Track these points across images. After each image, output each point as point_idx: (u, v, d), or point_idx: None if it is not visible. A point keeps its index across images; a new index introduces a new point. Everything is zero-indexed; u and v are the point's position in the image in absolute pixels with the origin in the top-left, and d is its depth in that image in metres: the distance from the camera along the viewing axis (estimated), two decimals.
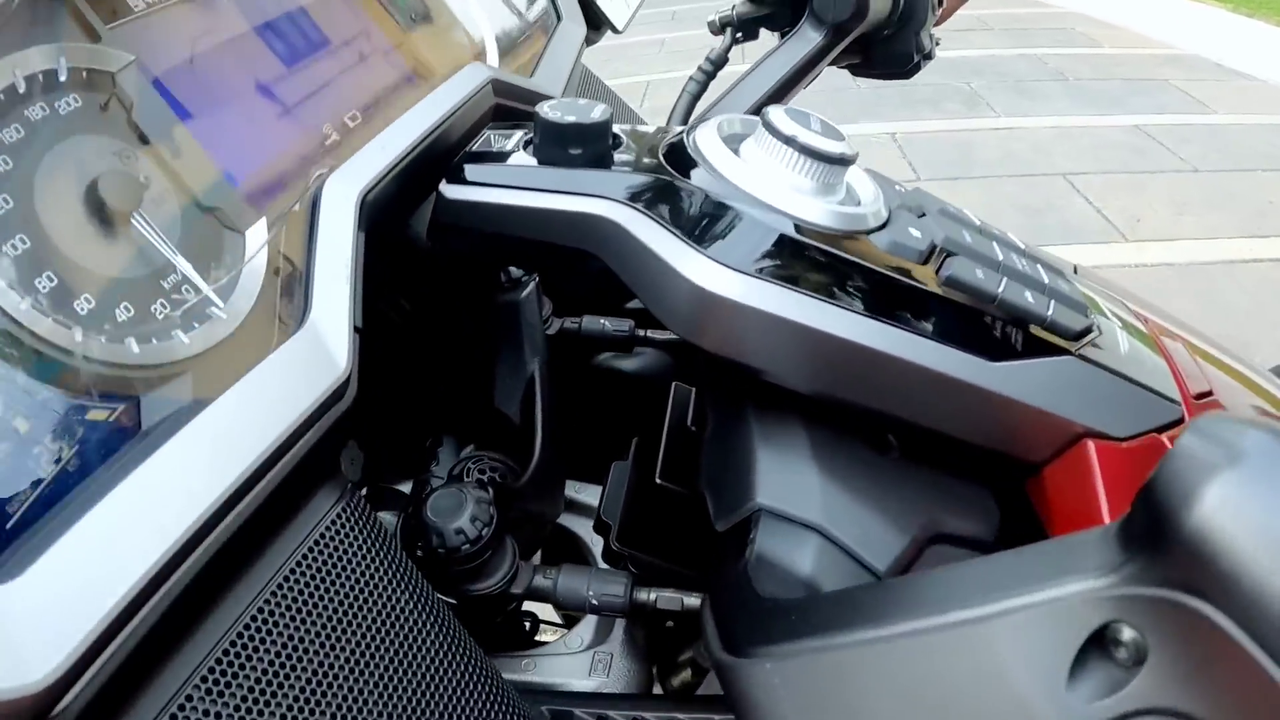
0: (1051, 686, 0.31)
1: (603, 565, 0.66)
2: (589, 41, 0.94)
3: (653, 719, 0.54)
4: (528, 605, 0.76)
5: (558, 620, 0.91)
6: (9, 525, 0.30)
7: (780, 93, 0.86)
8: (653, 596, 0.56)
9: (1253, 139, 5.10)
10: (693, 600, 0.55)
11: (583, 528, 0.81)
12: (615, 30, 1.02)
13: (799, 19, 0.87)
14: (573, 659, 0.69)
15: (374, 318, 0.45)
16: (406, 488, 0.66)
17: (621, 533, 0.58)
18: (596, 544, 0.78)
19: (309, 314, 0.41)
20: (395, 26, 0.61)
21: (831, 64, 0.93)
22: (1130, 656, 0.30)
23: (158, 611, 0.32)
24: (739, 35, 0.94)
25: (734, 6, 0.94)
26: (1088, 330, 0.50)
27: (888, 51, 0.94)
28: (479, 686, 0.44)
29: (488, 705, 0.44)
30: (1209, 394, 0.59)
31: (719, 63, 0.92)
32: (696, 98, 0.91)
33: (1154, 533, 0.28)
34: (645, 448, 0.61)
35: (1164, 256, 3.77)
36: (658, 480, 0.58)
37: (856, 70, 1.01)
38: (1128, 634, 0.30)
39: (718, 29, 0.94)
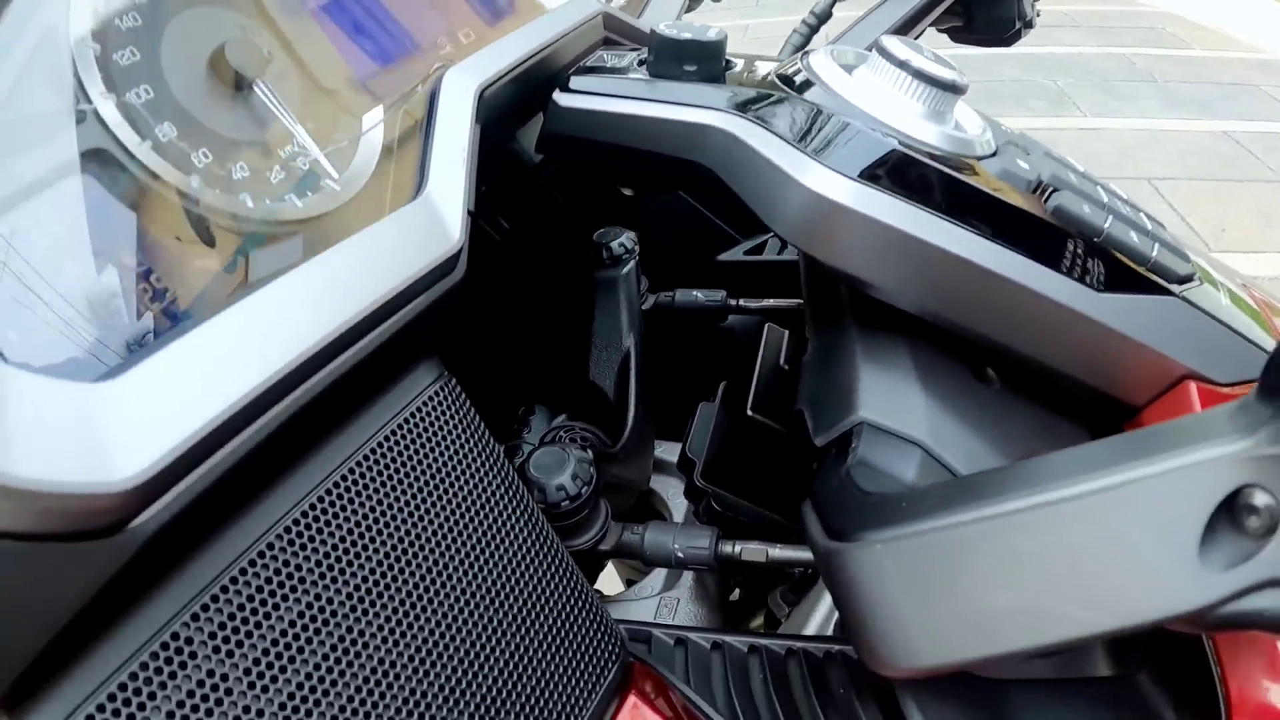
0: (1182, 553, 0.30)
1: (680, 520, 0.65)
2: (690, 7, 0.94)
3: (734, 641, 0.52)
4: None
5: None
6: (111, 341, 0.29)
7: (910, 27, 0.84)
8: (738, 549, 0.55)
9: None
10: (778, 552, 0.54)
11: (663, 485, 0.80)
12: None
13: None
14: (640, 604, 0.68)
15: (477, 232, 0.44)
16: None
17: (706, 469, 0.58)
18: (676, 504, 0.77)
19: (425, 188, 0.41)
20: None
21: (934, 25, 0.91)
22: (1263, 524, 0.29)
23: (250, 444, 0.31)
24: None
25: None
26: (1190, 277, 0.50)
27: (990, 15, 0.93)
28: (561, 580, 0.44)
29: (568, 598, 0.44)
30: None
31: (823, 16, 0.91)
32: (800, 48, 0.89)
33: None
34: (733, 390, 0.61)
35: (1249, 268, 3.66)
36: (749, 412, 0.57)
37: (956, 35, 0.99)
38: (1261, 499, 0.29)
39: None
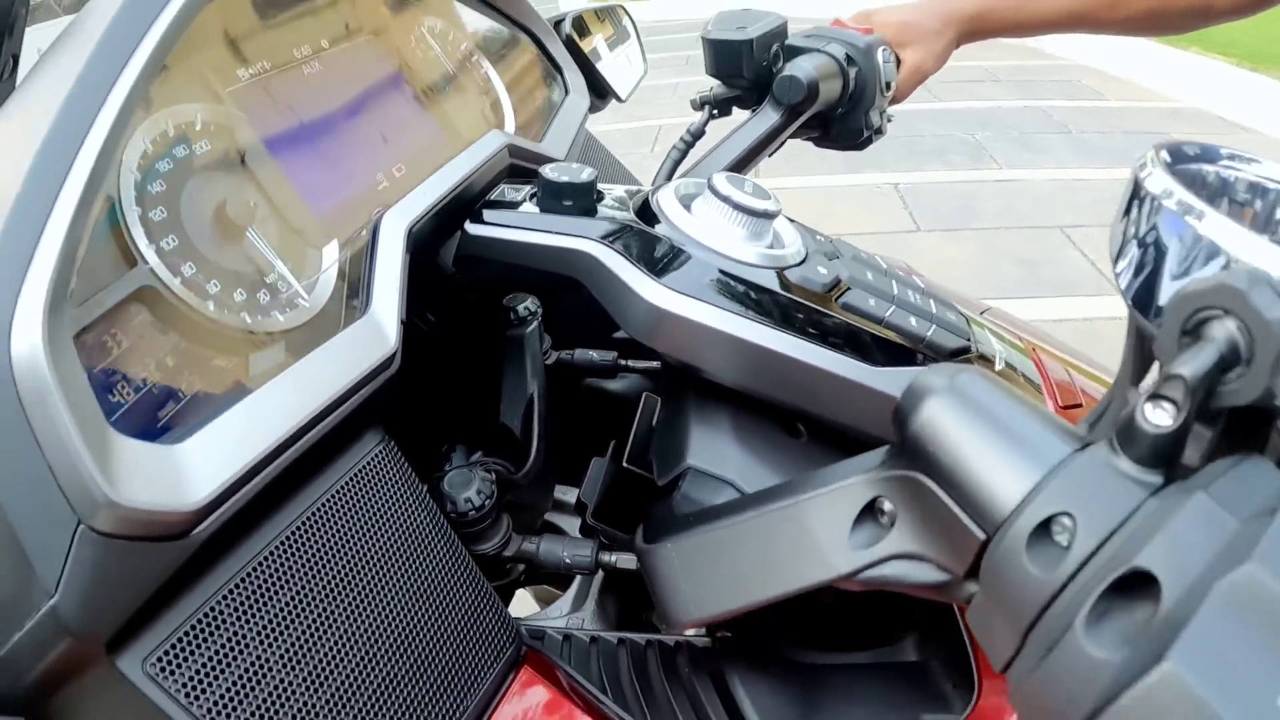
0: (839, 539, 0.47)
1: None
2: (594, 109, 1.08)
3: (607, 636, 0.67)
4: None
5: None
6: (169, 416, 0.44)
7: (744, 161, 0.99)
8: (614, 558, 0.69)
9: None
10: None
11: (566, 522, 0.96)
12: (619, 100, 1.16)
13: (762, 100, 1.00)
14: (548, 623, 0.82)
15: (408, 327, 0.59)
16: None
17: (596, 510, 0.72)
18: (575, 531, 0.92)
19: (369, 307, 0.56)
20: (439, 100, 0.75)
21: (793, 137, 1.06)
22: (888, 520, 0.45)
23: (258, 488, 0.45)
24: (715, 112, 1.07)
25: (711, 89, 1.07)
26: (964, 350, 0.65)
27: (841, 128, 1.08)
28: (466, 581, 0.58)
29: (472, 594, 0.58)
30: (1078, 405, 0.73)
31: (697, 134, 1.05)
32: (678, 163, 1.03)
33: (899, 434, 0.44)
34: (619, 446, 0.75)
35: None
36: (624, 464, 0.71)
37: (816, 142, 1.14)
38: (887, 505, 0.45)
39: (698, 106, 1.07)
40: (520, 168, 0.76)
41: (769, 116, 1.00)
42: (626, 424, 0.75)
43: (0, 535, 0.38)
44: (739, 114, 1.07)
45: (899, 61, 1.12)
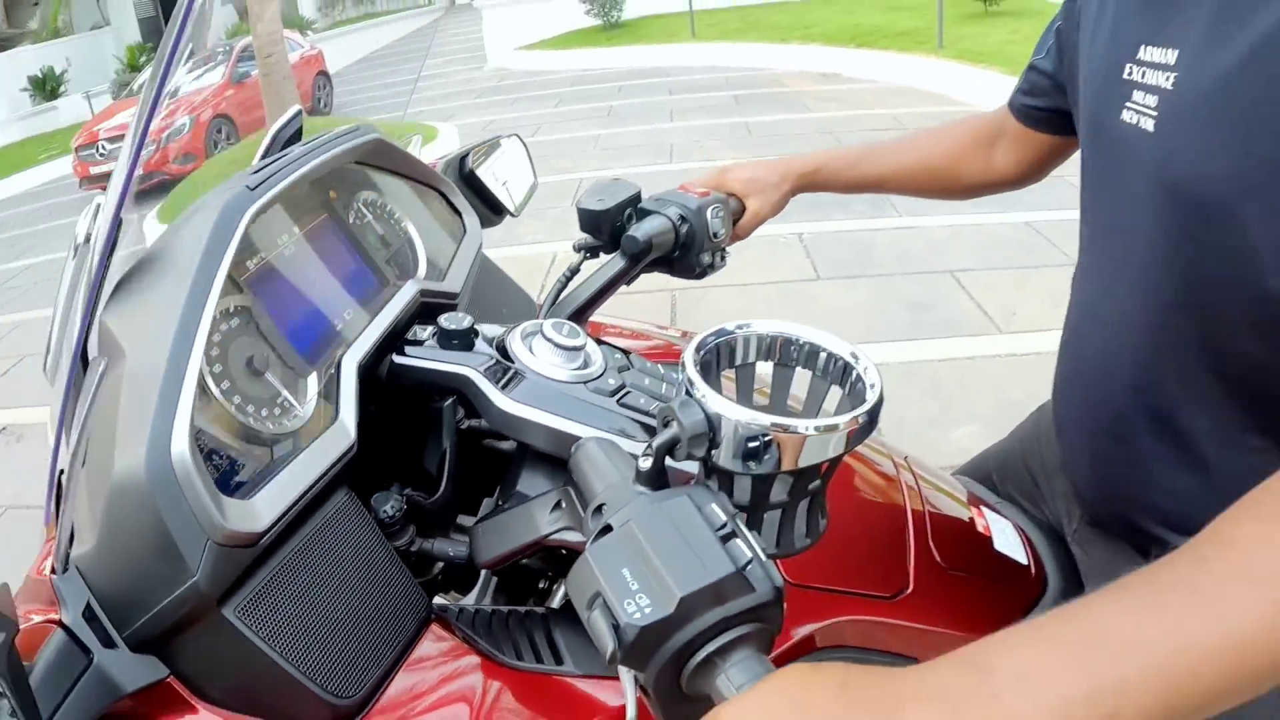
0: (544, 518, 0.84)
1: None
2: (491, 223, 1.40)
3: (489, 608, 0.98)
4: None
5: None
6: (239, 482, 0.77)
7: (603, 293, 1.30)
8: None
9: None
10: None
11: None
12: (513, 215, 1.47)
13: (615, 249, 1.32)
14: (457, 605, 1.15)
15: (361, 415, 0.90)
16: None
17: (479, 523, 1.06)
18: None
19: (338, 416, 0.88)
20: (374, 255, 1.10)
21: (644, 271, 1.36)
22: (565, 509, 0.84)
23: (284, 523, 0.77)
24: (587, 254, 1.36)
25: (583, 239, 1.36)
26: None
27: (679, 266, 1.39)
28: (389, 564, 0.89)
29: (393, 574, 0.89)
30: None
31: (574, 271, 1.33)
32: (559, 292, 1.31)
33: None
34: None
35: (1036, 346, 4.17)
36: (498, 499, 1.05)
37: (666, 273, 1.43)
38: (564, 503, 0.85)
39: (577, 249, 1.36)
40: (430, 305, 1.08)
41: (619, 263, 1.31)
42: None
43: (168, 548, 0.71)
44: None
45: (744, 207, 1.43)
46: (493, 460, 1.12)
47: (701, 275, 1.38)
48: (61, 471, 0.86)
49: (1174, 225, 0.92)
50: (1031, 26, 12.26)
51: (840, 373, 0.81)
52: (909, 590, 1.10)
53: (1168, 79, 0.93)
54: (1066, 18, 1.20)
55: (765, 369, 0.85)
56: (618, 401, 0.94)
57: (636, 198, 1.33)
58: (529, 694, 0.89)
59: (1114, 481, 1.13)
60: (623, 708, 0.69)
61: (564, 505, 0.82)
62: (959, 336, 4.37)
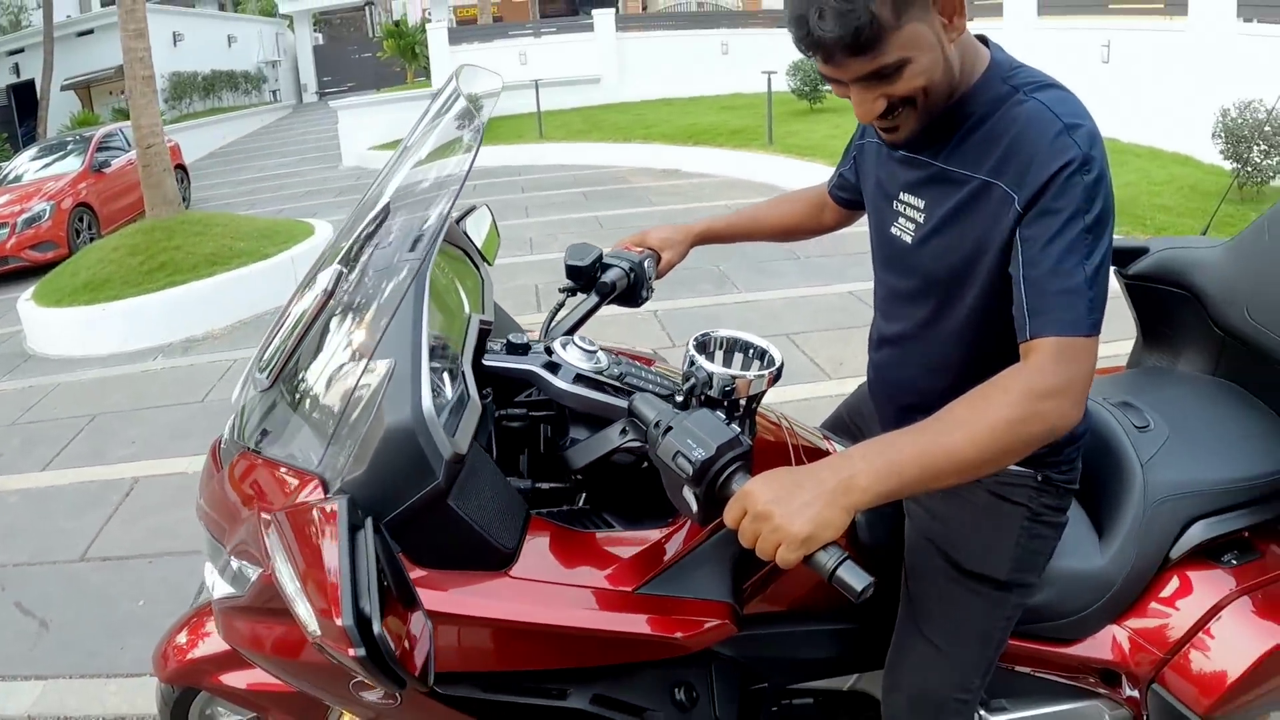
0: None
1: None
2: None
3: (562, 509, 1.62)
4: None
5: None
6: (446, 426, 1.34)
7: (583, 320, 1.89)
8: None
9: None
10: None
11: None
12: (489, 264, 2.14)
13: (590, 290, 1.91)
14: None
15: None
16: None
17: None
18: None
19: (471, 395, 1.51)
20: (452, 296, 1.76)
21: (607, 305, 1.95)
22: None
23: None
24: (570, 294, 1.95)
25: (567, 284, 1.93)
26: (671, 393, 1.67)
27: (628, 300, 1.98)
28: (509, 488, 1.49)
29: (511, 491, 1.48)
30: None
31: (559, 305, 1.94)
32: (552, 317, 1.92)
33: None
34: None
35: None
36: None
37: (619, 305, 2.00)
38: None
39: (562, 290, 1.95)
40: (483, 329, 1.68)
41: (594, 299, 1.93)
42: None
43: (423, 464, 1.24)
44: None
45: (659, 259, 2.03)
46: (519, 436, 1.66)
47: (640, 305, 2.04)
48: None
49: (928, 292, 1.57)
50: (852, 122, 13.48)
51: (761, 352, 1.53)
52: None
53: (919, 215, 1.55)
54: (859, 148, 1.84)
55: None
56: (622, 381, 1.58)
57: (600, 255, 1.94)
58: (590, 542, 1.51)
59: None
60: (649, 542, 1.46)
61: (626, 431, 1.46)
62: (798, 384, 5.18)
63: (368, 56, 32.39)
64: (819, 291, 6.87)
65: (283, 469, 1.48)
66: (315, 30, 35.13)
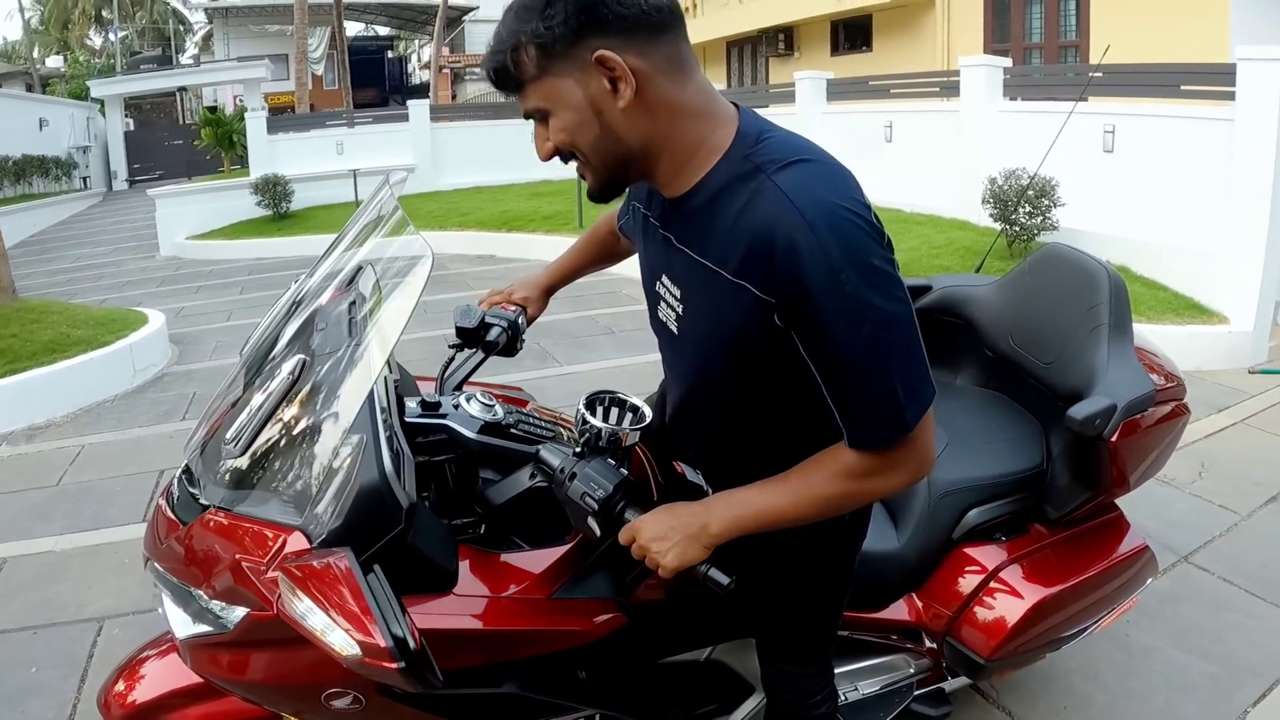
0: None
1: None
2: None
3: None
4: None
5: None
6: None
7: (472, 373, 2.02)
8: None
9: None
10: None
11: None
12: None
13: (475, 346, 2.07)
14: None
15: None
16: None
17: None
18: None
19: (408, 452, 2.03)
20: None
21: (493, 357, 2.21)
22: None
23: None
24: (458, 350, 2.16)
25: (457, 341, 2.16)
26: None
27: (506, 352, 2.19)
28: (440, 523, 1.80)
29: (443, 530, 1.76)
30: None
31: (451, 359, 2.18)
32: (445, 369, 2.16)
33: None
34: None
35: None
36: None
37: (499, 356, 2.24)
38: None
39: (451, 346, 2.15)
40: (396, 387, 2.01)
41: (479, 354, 2.17)
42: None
43: (389, 513, 1.54)
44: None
45: (525, 311, 2.26)
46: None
47: (515, 355, 2.31)
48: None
49: (692, 366, 1.65)
50: None
51: (634, 408, 1.75)
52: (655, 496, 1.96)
53: (678, 306, 1.55)
54: (631, 207, 1.89)
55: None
56: (513, 429, 1.87)
57: (484, 315, 2.20)
58: (509, 561, 1.80)
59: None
60: (554, 557, 1.79)
61: (534, 474, 1.73)
62: None
63: (179, 143, 31.64)
64: (634, 361, 7.39)
65: (262, 525, 1.71)
66: (126, 115, 34.06)
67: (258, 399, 1.84)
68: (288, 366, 1.85)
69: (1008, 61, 11.20)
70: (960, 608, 2.42)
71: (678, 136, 1.40)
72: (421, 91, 35.84)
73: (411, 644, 1.43)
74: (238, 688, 1.82)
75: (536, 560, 1.85)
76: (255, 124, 18.63)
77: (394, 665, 1.42)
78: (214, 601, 1.73)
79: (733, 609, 1.98)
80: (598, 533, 1.65)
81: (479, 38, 40.60)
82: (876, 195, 9.07)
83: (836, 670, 2.29)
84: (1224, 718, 3.05)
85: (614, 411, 1.79)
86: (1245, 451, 5.41)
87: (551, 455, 1.72)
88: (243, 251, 15.81)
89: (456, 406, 1.95)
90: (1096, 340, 2.47)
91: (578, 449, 1.71)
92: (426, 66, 41.72)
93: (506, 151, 19.14)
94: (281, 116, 20.44)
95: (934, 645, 2.48)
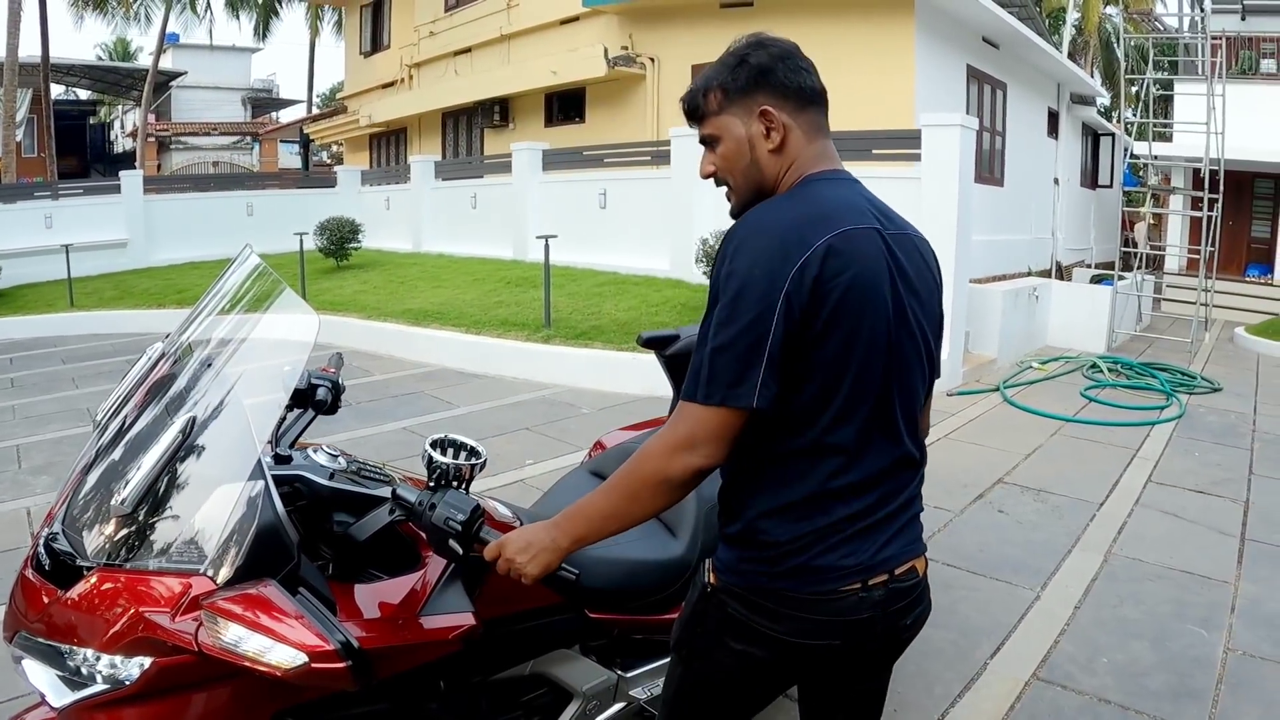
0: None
1: None
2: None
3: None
4: None
5: None
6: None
7: (303, 431, 2.38)
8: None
9: (485, 418, 7.79)
10: None
11: None
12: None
13: (305, 408, 2.42)
14: None
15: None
16: None
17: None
18: None
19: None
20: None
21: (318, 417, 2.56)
22: None
23: None
24: (290, 409, 2.32)
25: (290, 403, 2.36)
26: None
27: (329, 411, 2.54)
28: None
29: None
30: None
31: (283, 419, 2.37)
32: (279, 427, 2.34)
33: None
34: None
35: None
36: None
37: (324, 415, 2.55)
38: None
39: (284, 406, 2.26)
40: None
41: (310, 413, 2.42)
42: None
43: (286, 553, 1.86)
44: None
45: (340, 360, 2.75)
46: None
47: (335, 413, 2.59)
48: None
49: None
50: (380, 277, 14.57)
51: (471, 448, 2.06)
52: None
53: None
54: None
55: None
56: (358, 474, 2.18)
57: (310, 375, 2.49)
58: (376, 590, 2.02)
59: None
60: (412, 582, 2.05)
61: (394, 510, 1.99)
62: None
63: None
64: (376, 430, 7.66)
65: (161, 575, 1.83)
66: None
67: (142, 458, 1.91)
68: (177, 424, 1.94)
69: None
70: None
71: (789, 177, 1.78)
72: (125, 160, 34.17)
73: (355, 644, 1.64)
74: None
75: (397, 587, 2.09)
76: None
77: (343, 664, 1.64)
78: (107, 659, 1.81)
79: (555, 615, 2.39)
80: (460, 551, 1.91)
81: (187, 104, 39.54)
82: (593, 259, 10.45)
83: (638, 671, 2.70)
84: (969, 671, 3.74)
85: (451, 451, 2.07)
86: (953, 461, 6.55)
87: (407, 493, 2.00)
88: None
89: (306, 459, 2.18)
90: None
91: (431, 483, 1.99)
92: (131, 135, 39.92)
93: (222, 224, 18.88)
94: None
95: None
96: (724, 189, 1.85)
